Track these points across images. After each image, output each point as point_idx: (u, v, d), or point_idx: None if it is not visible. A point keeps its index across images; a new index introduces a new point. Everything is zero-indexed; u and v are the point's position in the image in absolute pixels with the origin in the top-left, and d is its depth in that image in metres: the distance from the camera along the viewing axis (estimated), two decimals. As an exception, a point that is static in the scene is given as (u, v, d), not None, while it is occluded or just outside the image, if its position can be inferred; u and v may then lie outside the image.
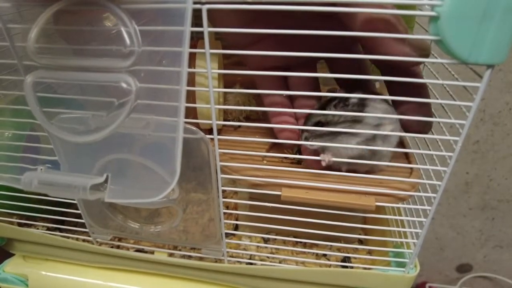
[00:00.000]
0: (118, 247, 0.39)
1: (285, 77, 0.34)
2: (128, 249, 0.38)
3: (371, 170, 0.32)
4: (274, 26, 0.27)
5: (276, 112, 0.33)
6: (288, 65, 0.33)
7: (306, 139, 0.31)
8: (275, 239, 0.39)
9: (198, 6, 0.22)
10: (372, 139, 0.30)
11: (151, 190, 0.26)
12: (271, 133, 0.36)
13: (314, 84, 0.34)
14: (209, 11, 0.22)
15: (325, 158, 0.30)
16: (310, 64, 0.34)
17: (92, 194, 0.26)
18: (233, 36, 0.30)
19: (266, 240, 0.39)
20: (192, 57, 0.31)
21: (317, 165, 0.30)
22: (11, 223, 0.39)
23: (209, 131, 0.28)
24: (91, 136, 0.25)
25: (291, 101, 0.34)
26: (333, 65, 0.34)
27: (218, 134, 0.28)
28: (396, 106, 0.30)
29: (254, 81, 0.34)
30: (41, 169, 0.28)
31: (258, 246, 0.38)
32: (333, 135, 0.30)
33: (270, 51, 0.29)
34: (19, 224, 0.40)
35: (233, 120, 0.39)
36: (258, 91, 0.35)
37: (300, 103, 0.33)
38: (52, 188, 0.27)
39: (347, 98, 0.30)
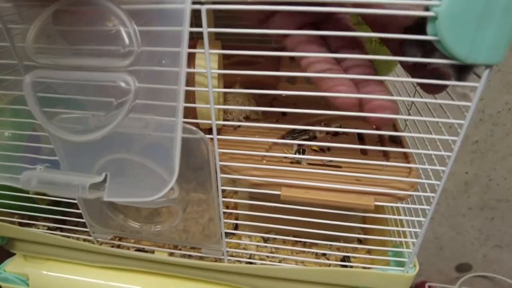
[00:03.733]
0: (118, 246, 0.39)
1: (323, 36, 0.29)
2: (128, 248, 0.38)
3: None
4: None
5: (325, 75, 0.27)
6: (318, 21, 0.29)
7: None
8: (275, 238, 0.39)
9: (197, 6, 0.22)
10: None
11: (150, 189, 0.26)
12: (272, 132, 0.36)
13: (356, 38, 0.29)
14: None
15: None
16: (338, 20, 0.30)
17: (91, 193, 0.27)
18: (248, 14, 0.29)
19: (266, 240, 0.40)
20: (192, 57, 0.31)
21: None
22: (12, 222, 0.39)
23: (209, 131, 0.28)
24: (90, 136, 0.25)
25: (339, 62, 0.28)
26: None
27: (218, 134, 0.28)
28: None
29: (285, 49, 0.29)
30: (40, 168, 0.28)
31: (258, 246, 0.39)
32: None
33: (287, 20, 0.28)
34: (20, 224, 0.40)
35: (232, 120, 0.39)
36: (258, 91, 0.35)
37: (348, 63, 0.28)
38: (51, 187, 0.27)
39: None
